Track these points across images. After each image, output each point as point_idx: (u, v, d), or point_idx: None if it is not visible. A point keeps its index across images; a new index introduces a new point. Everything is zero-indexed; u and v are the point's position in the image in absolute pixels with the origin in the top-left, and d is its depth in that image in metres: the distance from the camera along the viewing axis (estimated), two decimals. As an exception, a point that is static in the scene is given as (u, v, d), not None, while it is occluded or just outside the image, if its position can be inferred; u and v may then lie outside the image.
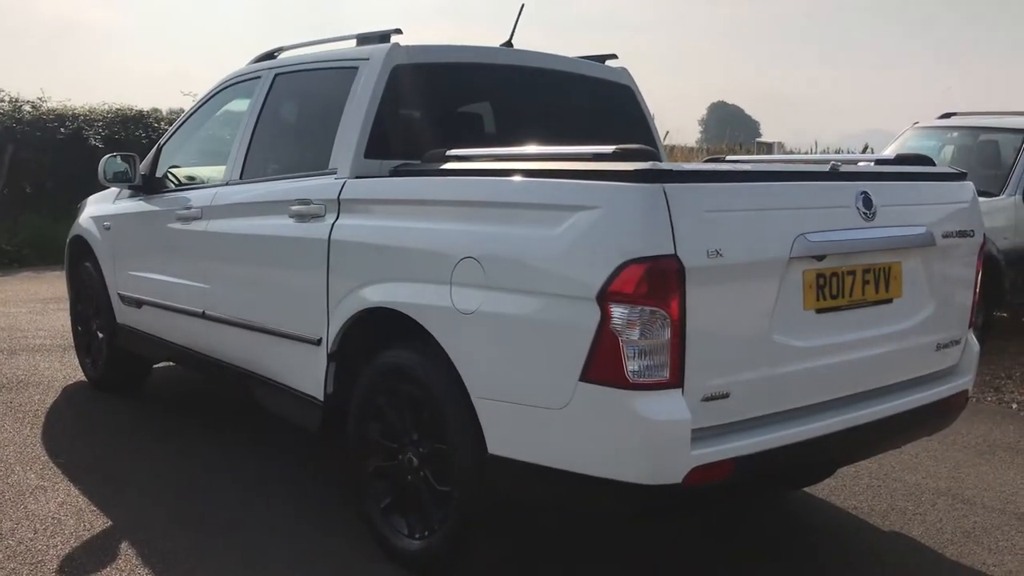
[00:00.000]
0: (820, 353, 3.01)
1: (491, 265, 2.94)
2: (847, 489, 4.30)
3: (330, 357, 3.67)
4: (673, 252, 2.60)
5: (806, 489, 4.26)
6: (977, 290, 3.62)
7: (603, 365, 2.64)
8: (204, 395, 5.85)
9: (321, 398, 3.73)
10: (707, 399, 2.71)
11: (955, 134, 8.51)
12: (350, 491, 3.77)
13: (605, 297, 2.63)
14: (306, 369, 3.80)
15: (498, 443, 2.96)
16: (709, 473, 2.69)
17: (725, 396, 2.75)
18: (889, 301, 3.23)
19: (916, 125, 8.84)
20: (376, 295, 3.42)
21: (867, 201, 3.08)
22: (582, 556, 3.58)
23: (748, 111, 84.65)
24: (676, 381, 2.65)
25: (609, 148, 2.89)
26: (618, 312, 2.61)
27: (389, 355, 3.40)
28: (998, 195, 7.35)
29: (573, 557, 3.57)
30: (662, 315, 2.61)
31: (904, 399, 3.27)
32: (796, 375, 2.95)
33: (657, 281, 2.60)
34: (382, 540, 3.47)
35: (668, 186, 2.61)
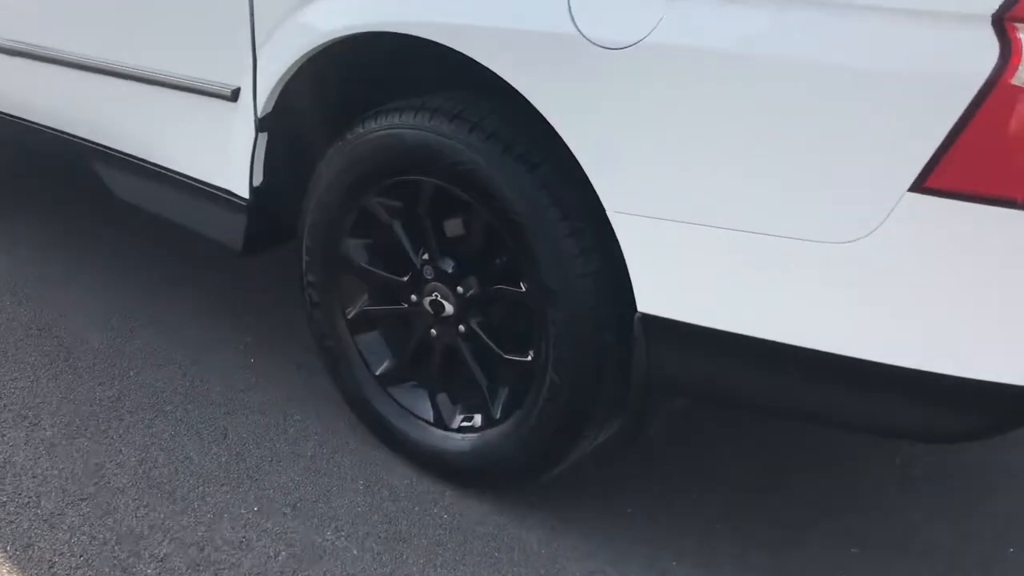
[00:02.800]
0: None
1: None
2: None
3: (261, 124, 2.06)
4: None
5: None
6: None
7: (982, 157, 1.27)
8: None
9: (244, 193, 2.15)
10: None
11: None
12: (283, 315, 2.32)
13: (1012, 16, 1.21)
14: (213, 144, 2.17)
15: (668, 298, 1.58)
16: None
17: None
18: None
19: None
20: (354, 13, 1.81)
21: None
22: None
23: None
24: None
25: None
26: (1040, 46, 1.21)
27: (398, 123, 1.85)
28: None
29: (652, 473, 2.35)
30: None
31: None
32: None
33: None
34: (378, 424, 2.10)
35: None
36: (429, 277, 1.95)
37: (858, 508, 2.04)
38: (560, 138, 1.62)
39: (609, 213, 1.58)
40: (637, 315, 1.61)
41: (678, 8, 1.42)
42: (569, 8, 1.51)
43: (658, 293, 1.59)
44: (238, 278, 2.94)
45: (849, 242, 1.39)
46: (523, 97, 1.63)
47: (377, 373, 2.09)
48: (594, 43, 1.49)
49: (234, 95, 2.06)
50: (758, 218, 1.45)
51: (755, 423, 2.28)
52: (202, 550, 1.81)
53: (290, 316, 2.70)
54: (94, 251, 3.08)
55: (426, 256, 1.94)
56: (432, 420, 2.02)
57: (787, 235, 1.44)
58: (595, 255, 1.68)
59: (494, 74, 1.65)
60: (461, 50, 1.66)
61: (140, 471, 2.03)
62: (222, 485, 2.00)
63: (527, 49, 1.59)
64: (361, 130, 1.91)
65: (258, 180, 2.13)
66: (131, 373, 2.40)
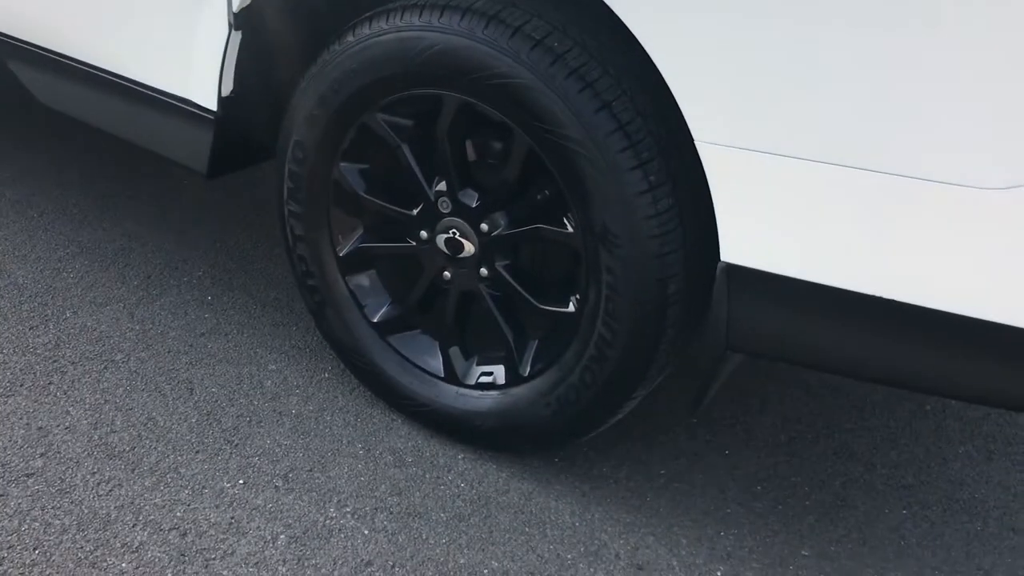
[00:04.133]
0: None
1: None
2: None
3: (236, 20, 1.70)
4: None
5: None
6: None
7: None
8: None
9: (211, 105, 1.80)
10: None
11: None
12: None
13: None
14: (172, 45, 1.80)
15: (762, 247, 1.34)
16: None
17: None
18: None
19: None
20: None
21: None
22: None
23: None
24: None
25: None
26: None
27: (417, 24, 1.52)
28: None
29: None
30: None
31: None
32: None
33: None
34: (374, 377, 1.83)
35: None
36: (445, 211, 1.65)
37: (899, 464, 1.88)
38: (626, 49, 1.34)
39: (698, 144, 1.32)
40: (721, 265, 1.37)
41: None
42: None
43: (750, 241, 1.34)
44: (180, 195, 2.57)
45: (998, 189, 1.17)
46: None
47: (375, 320, 1.80)
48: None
49: (200, -16, 1.69)
50: (890, 155, 1.21)
51: (783, 371, 2.09)
52: (184, 536, 1.53)
53: (248, 242, 2.37)
54: (3, 161, 2.65)
55: (443, 186, 1.64)
56: (443, 375, 1.76)
57: (921, 176, 1.20)
58: (665, 191, 1.42)
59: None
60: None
61: (95, 437, 1.71)
62: (196, 453, 1.70)
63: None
64: (367, 31, 1.57)
65: (228, 89, 1.78)
66: (67, 314, 2.05)
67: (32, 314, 2.03)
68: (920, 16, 1.14)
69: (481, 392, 1.72)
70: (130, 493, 1.59)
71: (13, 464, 1.63)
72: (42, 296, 2.09)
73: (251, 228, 2.43)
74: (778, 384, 2.06)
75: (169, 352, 1.95)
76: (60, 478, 1.61)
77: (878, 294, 1.28)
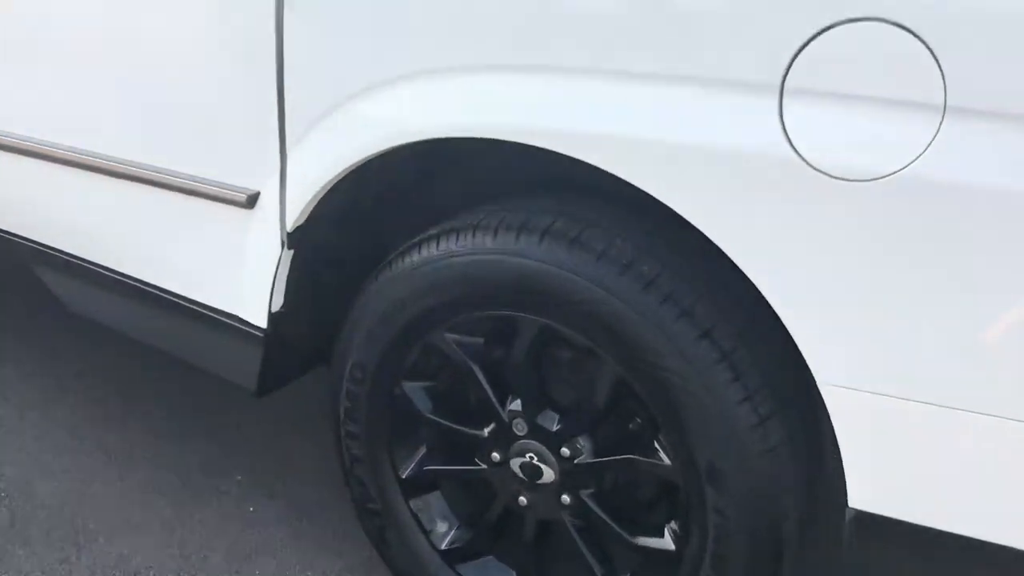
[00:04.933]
0: None
1: None
2: None
3: (289, 239, 1.60)
4: None
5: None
6: None
7: None
8: None
9: (260, 322, 1.68)
10: None
11: None
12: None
13: None
14: (218, 260, 1.70)
15: (896, 495, 1.21)
16: None
17: None
18: None
19: None
20: (448, 112, 1.37)
21: None
22: None
23: None
24: None
25: None
26: None
27: (491, 248, 1.42)
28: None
29: None
30: None
31: None
32: None
33: None
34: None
35: None
36: (520, 433, 1.53)
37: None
38: (721, 271, 1.25)
39: (822, 386, 1.20)
40: (850, 512, 1.24)
41: (953, 131, 1.04)
42: (782, 124, 1.12)
43: (881, 488, 1.21)
44: (209, 386, 2.43)
45: None
46: (661, 216, 1.25)
47: (442, 547, 1.65)
48: (822, 172, 1.10)
49: (250, 202, 1.60)
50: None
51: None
52: None
53: (286, 441, 2.23)
54: (11, 358, 2.52)
55: (517, 406, 1.52)
56: (518, 616, 1.60)
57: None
58: (775, 424, 1.30)
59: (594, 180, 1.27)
60: (615, 172, 1.24)
61: None
62: None
63: (706, 173, 1.19)
64: (434, 252, 1.47)
65: (278, 305, 1.66)
66: (100, 539, 1.89)
67: (63, 543, 1.87)
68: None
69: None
70: None
71: None
72: (72, 520, 1.94)
73: (288, 425, 2.30)
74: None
75: (214, 582, 1.80)
76: None
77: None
